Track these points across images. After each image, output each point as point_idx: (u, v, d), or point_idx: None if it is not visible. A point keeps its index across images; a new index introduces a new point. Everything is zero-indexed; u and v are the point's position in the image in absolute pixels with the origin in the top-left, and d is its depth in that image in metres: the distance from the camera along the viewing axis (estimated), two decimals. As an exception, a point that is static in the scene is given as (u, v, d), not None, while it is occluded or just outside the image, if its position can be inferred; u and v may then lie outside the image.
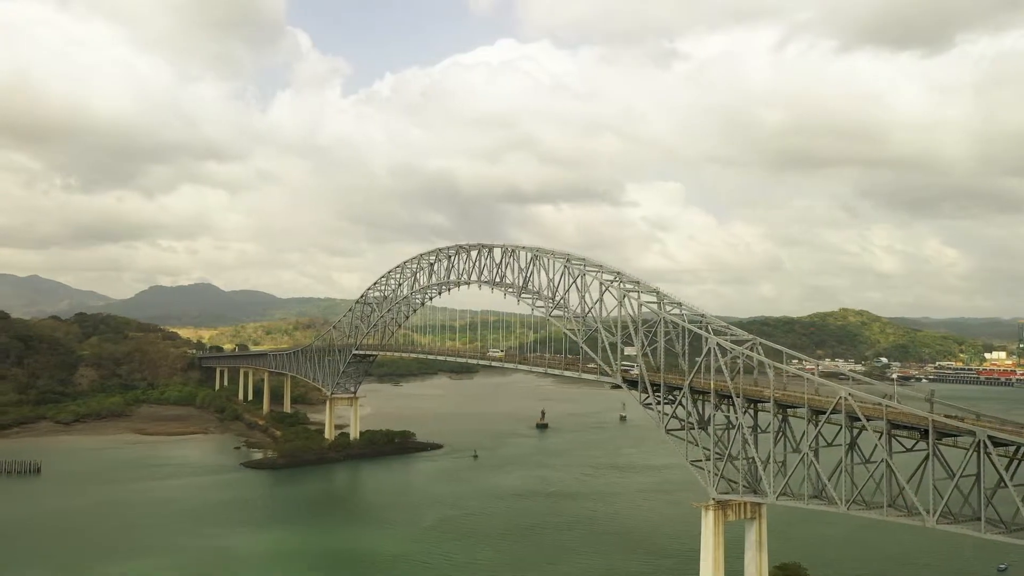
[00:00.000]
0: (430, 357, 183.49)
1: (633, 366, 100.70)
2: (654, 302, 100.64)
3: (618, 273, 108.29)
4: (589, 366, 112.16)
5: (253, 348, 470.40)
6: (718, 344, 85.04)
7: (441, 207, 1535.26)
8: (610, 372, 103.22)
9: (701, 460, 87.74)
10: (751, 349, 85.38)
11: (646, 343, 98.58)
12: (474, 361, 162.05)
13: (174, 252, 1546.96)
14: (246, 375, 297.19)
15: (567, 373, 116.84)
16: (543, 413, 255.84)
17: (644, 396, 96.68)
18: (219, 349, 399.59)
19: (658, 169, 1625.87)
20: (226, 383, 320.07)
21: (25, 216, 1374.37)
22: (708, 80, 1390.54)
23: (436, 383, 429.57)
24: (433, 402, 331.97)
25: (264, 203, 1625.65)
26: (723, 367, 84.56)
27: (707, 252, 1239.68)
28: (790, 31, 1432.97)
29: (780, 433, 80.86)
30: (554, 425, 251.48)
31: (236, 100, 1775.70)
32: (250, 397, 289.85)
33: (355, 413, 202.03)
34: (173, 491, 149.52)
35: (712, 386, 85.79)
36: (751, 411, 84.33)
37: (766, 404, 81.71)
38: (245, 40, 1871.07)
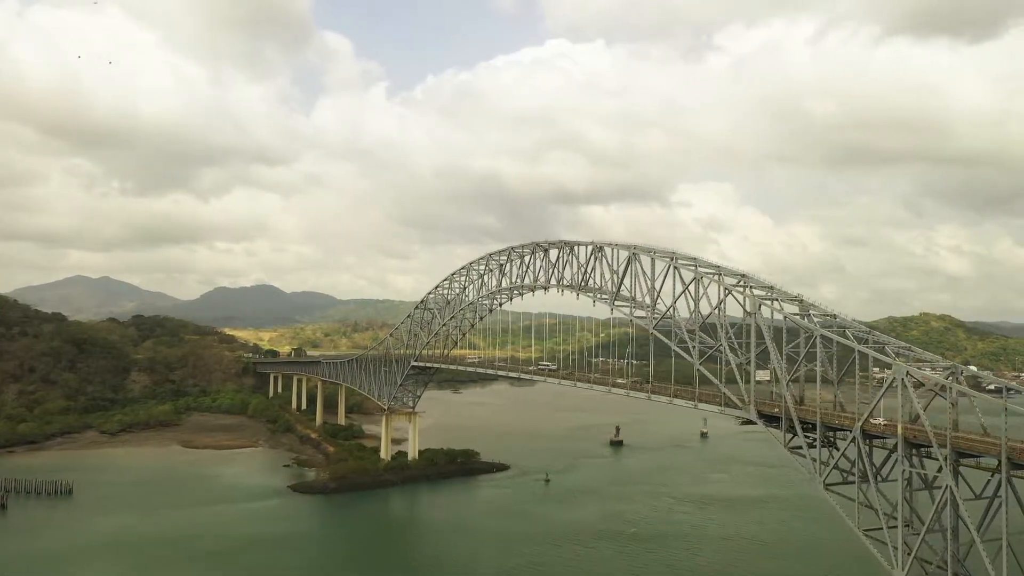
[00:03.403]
0: (505, 375, 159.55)
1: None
2: (797, 313, 77.86)
3: (743, 275, 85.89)
4: (703, 392, 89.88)
5: (311, 351, 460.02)
6: (908, 374, 61.92)
7: (491, 208, 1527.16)
8: (740, 404, 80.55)
9: (882, 528, 64.59)
10: (951, 377, 62.19)
11: (785, 366, 75.92)
12: (575, 383, 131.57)
13: (232, 254, 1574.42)
14: (300, 382, 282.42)
15: (679, 401, 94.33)
16: (617, 429, 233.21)
17: (790, 437, 73.94)
18: (274, 353, 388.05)
19: (709, 168, 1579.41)
20: (280, 390, 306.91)
21: (90, 219, 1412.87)
22: (748, 74, 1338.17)
23: (496, 390, 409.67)
24: (495, 412, 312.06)
25: (316, 206, 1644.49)
26: (915, 404, 61.51)
27: (764, 253, 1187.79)
28: (828, 20, 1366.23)
29: (1002, 499, 57.46)
30: (629, 442, 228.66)
31: (281, 104, 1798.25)
32: (304, 406, 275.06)
33: (414, 430, 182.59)
34: (208, 522, 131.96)
35: (900, 431, 62.67)
36: (949, 465, 61.05)
37: (980, 457, 58.53)
38: (278, 42, 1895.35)
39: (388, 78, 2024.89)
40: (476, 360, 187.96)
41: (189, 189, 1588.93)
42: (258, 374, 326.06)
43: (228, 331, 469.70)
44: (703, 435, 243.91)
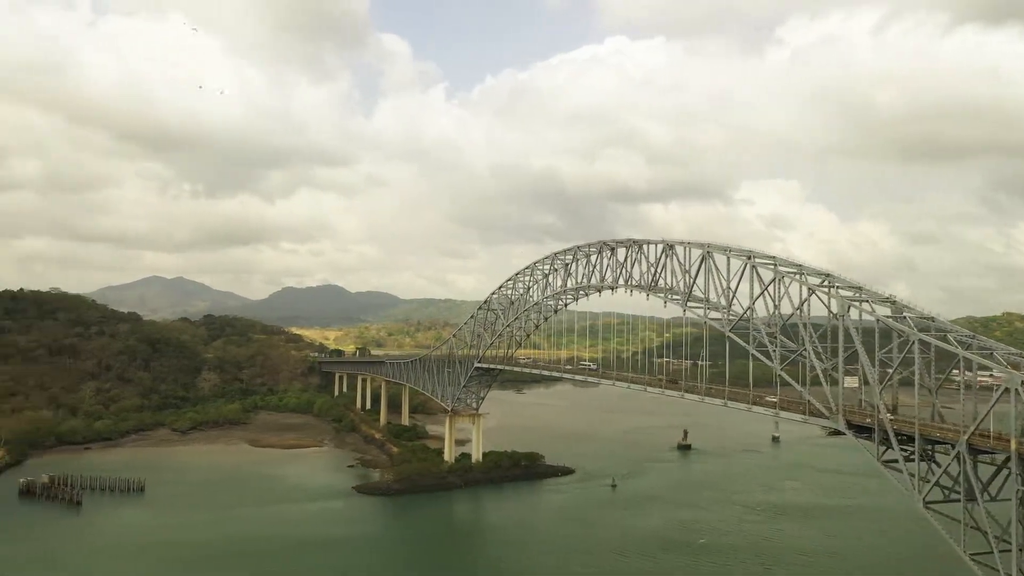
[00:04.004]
0: (577, 379, 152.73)
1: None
2: (890, 316, 72.03)
3: (827, 275, 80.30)
4: (785, 398, 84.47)
5: (375, 350, 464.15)
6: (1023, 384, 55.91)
7: (549, 208, 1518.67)
8: (827, 413, 75.06)
9: (992, 552, 58.72)
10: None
11: (873, 373, 70.25)
12: (645, 388, 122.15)
13: (297, 254, 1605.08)
14: (364, 382, 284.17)
15: (758, 409, 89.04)
16: (685, 433, 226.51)
17: (883, 450, 68.26)
18: (339, 353, 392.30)
19: (772, 165, 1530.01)
20: (345, 389, 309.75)
21: (163, 221, 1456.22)
22: (809, 66, 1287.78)
23: (559, 391, 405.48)
24: (559, 414, 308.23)
25: (376, 206, 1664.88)
26: (1030, 417, 55.53)
27: (831, 250, 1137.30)
28: (892, 10, 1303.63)
29: None
30: (697, 446, 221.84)
31: (342, 106, 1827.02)
32: (368, 405, 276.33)
33: (477, 432, 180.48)
34: (272, 523, 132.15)
35: (1013, 445, 56.72)
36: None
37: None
38: (336, 45, 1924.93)
39: (447, 79, 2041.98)
40: (530, 360, 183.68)
41: (255, 191, 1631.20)
42: (323, 373, 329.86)
43: (295, 330, 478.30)
44: (774, 439, 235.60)
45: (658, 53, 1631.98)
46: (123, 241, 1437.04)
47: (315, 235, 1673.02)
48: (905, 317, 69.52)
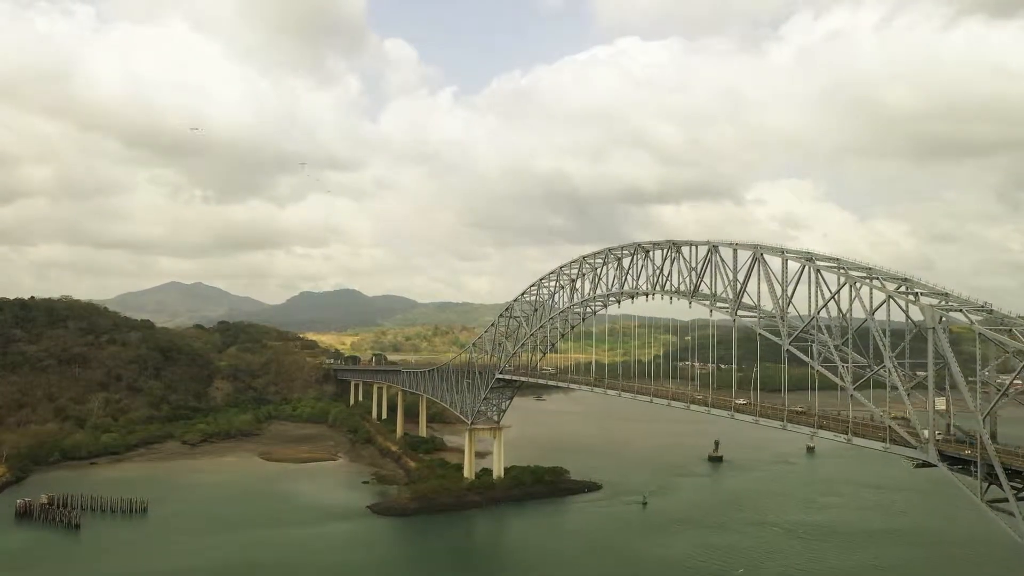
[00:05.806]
0: (610, 393, 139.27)
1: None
2: (989, 327, 61.40)
3: (905, 279, 69.78)
4: (858, 422, 73.85)
5: (392, 356, 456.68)
6: None
7: (559, 209, 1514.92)
8: (915, 443, 64.43)
9: None
10: None
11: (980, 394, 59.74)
12: (702, 408, 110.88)
13: (310, 259, 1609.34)
14: (380, 390, 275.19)
15: (826, 435, 78.18)
16: (717, 444, 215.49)
17: (986, 486, 57.67)
18: (355, 360, 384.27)
19: (785, 165, 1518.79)
20: (360, 397, 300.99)
21: (177, 227, 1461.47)
22: (815, 64, 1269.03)
23: (579, 397, 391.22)
24: (581, 422, 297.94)
25: (387, 210, 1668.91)
26: None
27: (847, 251, 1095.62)
28: (896, 4, 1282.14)
29: None
30: (729, 457, 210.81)
31: (349, 111, 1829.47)
32: (384, 415, 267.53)
33: (499, 447, 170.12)
34: (280, 548, 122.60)
35: None
36: None
37: None
38: (338, 49, 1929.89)
39: (454, 83, 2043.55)
40: (566, 378, 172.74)
41: (267, 196, 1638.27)
42: (339, 380, 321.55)
43: (312, 335, 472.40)
44: (809, 450, 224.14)
45: (662, 53, 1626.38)
46: (138, 247, 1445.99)
47: (327, 239, 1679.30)
48: (1012, 330, 58.94)
